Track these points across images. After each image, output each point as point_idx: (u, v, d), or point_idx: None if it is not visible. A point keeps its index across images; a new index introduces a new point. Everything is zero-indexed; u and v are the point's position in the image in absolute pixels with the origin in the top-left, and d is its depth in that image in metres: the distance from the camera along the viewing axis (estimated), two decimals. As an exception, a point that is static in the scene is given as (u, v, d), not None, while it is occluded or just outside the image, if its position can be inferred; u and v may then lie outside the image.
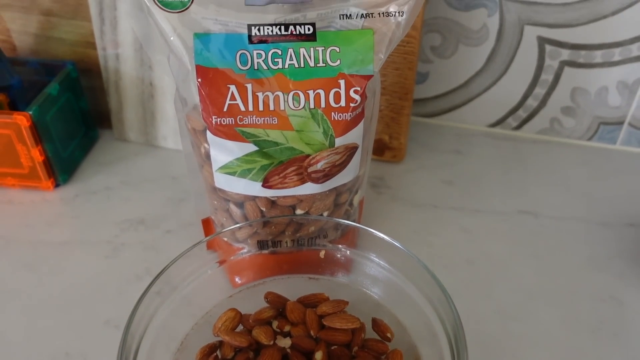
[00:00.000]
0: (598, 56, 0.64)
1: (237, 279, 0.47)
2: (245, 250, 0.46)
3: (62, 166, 0.63)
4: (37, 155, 0.59)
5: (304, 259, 0.47)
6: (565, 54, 0.65)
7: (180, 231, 0.57)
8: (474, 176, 0.65)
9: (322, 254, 0.47)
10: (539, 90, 0.68)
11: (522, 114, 0.71)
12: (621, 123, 0.68)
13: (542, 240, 0.56)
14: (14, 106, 0.61)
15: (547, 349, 0.45)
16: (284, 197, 0.44)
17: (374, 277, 0.46)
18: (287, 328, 0.42)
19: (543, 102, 0.69)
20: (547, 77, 0.67)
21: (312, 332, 0.41)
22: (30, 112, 0.57)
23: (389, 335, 0.42)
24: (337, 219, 0.45)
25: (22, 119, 0.56)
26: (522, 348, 0.45)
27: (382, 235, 0.43)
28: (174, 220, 0.58)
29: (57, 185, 0.63)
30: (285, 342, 0.41)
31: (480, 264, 0.53)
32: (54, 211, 0.60)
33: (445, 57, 0.69)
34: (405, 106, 0.63)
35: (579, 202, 0.61)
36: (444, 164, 0.67)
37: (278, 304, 0.44)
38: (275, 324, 0.42)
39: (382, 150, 0.66)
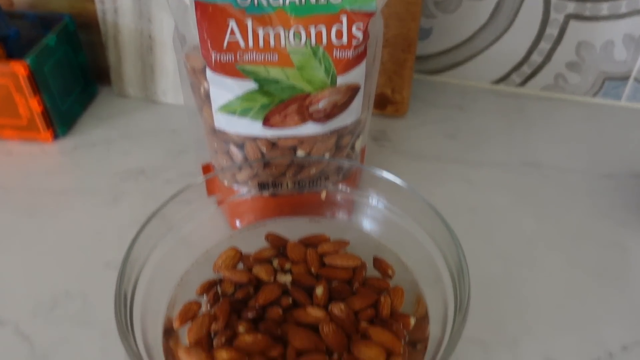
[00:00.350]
0: (604, 8, 0.63)
1: (236, 222, 0.47)
2: (245, 191, 0.46)
3: (61, 118, 0.62)
4: (35, 105, 0.58)
5: (304, 201, 0.47)
6: (571, 7, 0.64)
7: (180, 181, 0.57)
8: (477, 131, 0.64)
9: (323, 194, 0.46)
10: (544, 45, 0.67)
11: (526, 70, 0.70)
12: (627, 78, 0.67)
13: (545, 191, 0.56)
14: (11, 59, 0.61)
15: (550, 292, 0.45)
16: (285, 137, 0.43)
17: (376, 217, 0.45)
18: (287, 266, 0.42)
19: (548, 58, 0.68)
20: (552, 31, 0.66)
21: (312, 270, 0.41)
22: (28, 61, 0.56)
23: (390, 272, 0.42)
24: (338, 159, 0.45)
25: (19, 68, 0.56)
26: (524, 290, 0.45)
27: (385, 174, 0.43)
28: (174, 171, 0.58)
29: (55, 138, 0.63)
30: (285, 278, 0.41)
31: (482, 212, 0.53)
32: (53, 162, 0.60)
33: (449, 12, 0.68)
34: (408, 59, 0.63)
35: (583, 155, 0.61)
36: (447, 119, 0.66)
37: (278, 244, 0.44)
38: (275, 262, 0.42)
39: (384, 104, 0.65)
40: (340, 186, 0.46)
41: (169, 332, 0.39)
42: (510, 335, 0.42)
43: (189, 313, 0.39)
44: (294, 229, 0.45)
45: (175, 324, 0.38)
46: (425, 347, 0.37)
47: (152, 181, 0.57)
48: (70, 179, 0.58)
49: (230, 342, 0.36)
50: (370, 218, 0.46)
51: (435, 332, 0.37)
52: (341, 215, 0.47)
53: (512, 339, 0.41)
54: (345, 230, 0.45)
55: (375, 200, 0.45)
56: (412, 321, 0.38)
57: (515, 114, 0.67)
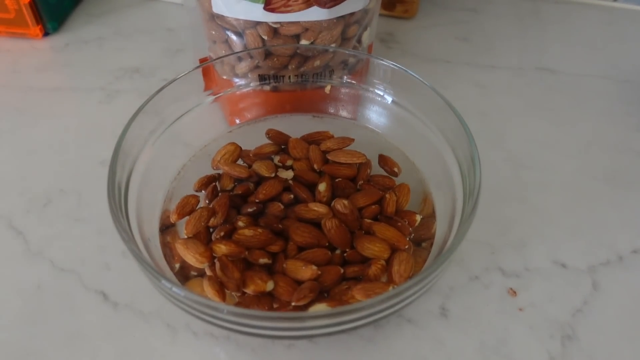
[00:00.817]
0: None
1: (235, 119, 0.45)
2: (244, 83, 0.43)
3: (50, 13, 0.59)
4: (21, -4, 0.55)
5: (307, 97, 0.45)
6: None
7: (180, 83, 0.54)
8: (490, 34, 0.61)
9: (327, 88, 0.44)
10: (567, -57, 0.62)
11: (545, -30, 0.65)
12: (652, -19, 0.63)
13: (560, 96, 0.53)
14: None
15: (560, 196, 0.44)
16: (288, 23, 0.40)
17: (383, 113, 0.43)
18: (289, 162, 0.40)
19: (569, -43, 0.63)
20: None
21: (315, 166, 0.39)
22: (11, -54, 0.52)
23: (395, 170, 0.40)
24: (344, 49, 0.42)
25: (3, -46, 0.52)
26: (533, 193, 0.44)
27: (393, 64, 0.40)
28: (171, 70, 0.55)
29: (46, 34, 0.59)
30: (287, 174, 0.39)
31: (493, 115, 0.51)
32: (44, 59, 0.57)
33: None
34: (420, -46, 0.58)
35: (600, 60, 0.58)
36: (459, 21, 0.63)
37: (280, 141, 0.42)
38: (276, 158, 0.40)
39: (393, 3, 0.61)
40: (346, 79, 0.44)
41: (166, 226, 0.37)
42: (517, 238, 0.41)
43: (187, 207, 0.37)
44: (296, 126, 0.43)
45: (173, 218, 0.37)
46: (431, 246, 0.36)
47: (147, 79, 0.54)
48: (63, 77, 0.55)
49: (229, 236, 0.35)
50: (377, 114, 0.43)
51: (442, 232, 0.36)
52: (346, 112, 0.45)
53: (520, 241, 0.40)
54: (350, 128, 0.43)
55: (383, 95, 0.43)
56: (418, 218, 0.37)
57: (531, 18, 0.64)
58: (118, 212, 0.31)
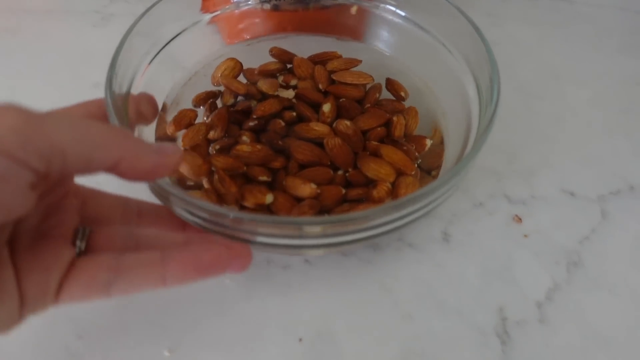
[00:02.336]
0: None
1: (231, 36, 0.42)
2: (243, 1, 0.41)
3: None
4: None
5: (310, 17, 0.42)
6: None
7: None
8: (504, -37, 0.58)
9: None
10: None
11: None
12: None
13: (576, 27, 0.51)
14: None
15: (572, 126, 0.42)
16: None
17: (393, 32, 0.41)
18: (293, 82, 0.38)
19: None
20: None
21: (320, 86, 0.37)
22: None
23: (402, 94, 0.38)
24: None
25: None
26: (543, 123, 0.42)
27: None
28: (169, -6, 0.53)
29: (38, -43, 0.57)
30: (287, 94, 0.37)
31: (505, 45, 0.48)
32: (36, -19, 0.54)
33: None
34: None
35: (620, -9, 0.55)
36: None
37: (284, 59, 0.40)
38: (280, 78, 0.39)
39: None
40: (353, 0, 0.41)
41: (162, 138, 0.36)
42: (526, 166, 0.39)
43: (184, 119, 0.35)
44: (298, 48, 0.41)
45: (170, 129, 0.35)
46: (438, 175, 0.35)
47: (144, 2, 0.52)
48: (55, 0, 0.53)
49: (227, 151, 0.34)
50: (388, 33, 0.41)
51: (452, 160, 0.34)
52: (353, 33, 0.42)
53: (528, 170, 0.39)
54: (357, 51, 0.41)
55: (392, 12, 0.40)
56: (428, 143, 0.35)
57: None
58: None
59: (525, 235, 0.35)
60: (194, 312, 0.31)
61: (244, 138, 0.34)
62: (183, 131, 0.35)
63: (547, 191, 0.37)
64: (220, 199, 0.31)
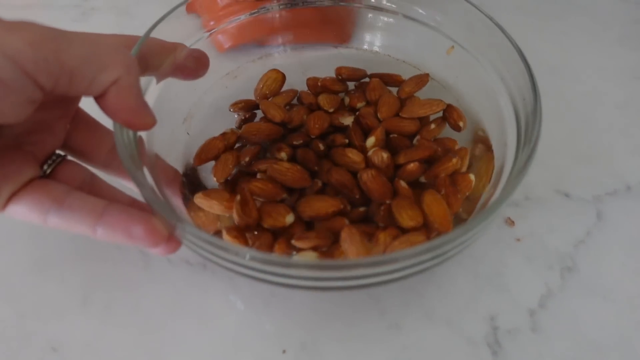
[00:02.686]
0: None
1: (223, 42, 0.41)
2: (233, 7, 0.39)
3: None
4: None
5: (300, 16, 0.40)
6: None
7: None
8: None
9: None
10: None
11: None
12: None
13: (574, 18, 0.49)
14: None
15: (567, 122, 0.40)
16: None
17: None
18: (360, 104, 0.36)
19: None
20: None
21: (379, 115, 0.35)
22: None
23: (461, 124, 0.35)
24: None
25: None
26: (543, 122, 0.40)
27: None
28: (152, -15, 0.51)
29: (18, -52, 0.55)
30: (347, 120, 0.35)
31: None
32: (15, -26, 0.53)
33: None
34: None
35: (618, -20, 0.53)
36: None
37: (354, 78, 0.38)
38: (347, 100, 0.37)
39: None
40: (342, 3, 0.40)
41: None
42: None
43: (211, 152, 0.34)
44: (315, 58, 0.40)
45: (195, 162, 0.34)
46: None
47: (126, -4, 0.50)
48: (34, -6, 0.51)
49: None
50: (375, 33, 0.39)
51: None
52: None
53: (521, 169, 0.37)
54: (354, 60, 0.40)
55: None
56: (472, 178, 0.32)
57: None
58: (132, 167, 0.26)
59: (518, 239, 0.34)
60: (173, 324, 0.30)
61: (283, 154, 0.33)
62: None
63: (542, 192, 0.36)
64: (241, 231, 0.30)
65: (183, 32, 0.37)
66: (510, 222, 0.34)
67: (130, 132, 0.28)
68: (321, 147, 0.33)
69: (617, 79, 0.44)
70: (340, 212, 0.30)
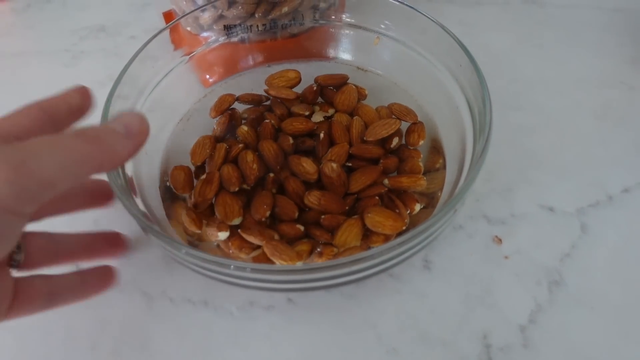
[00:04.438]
0: None
1: (207, 77, 0.42)
2: (212, 39, 0.41)
3: (8, -28, 0.56)
4: (-26, -44, 0.52)
5: (279, 46, 0.42)
6: None
7: (145, 37, 0.50)
8: (474, -32, 0.58)
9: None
10: None
11: None
12: None
13: (549, 30, 0.50)
14: None
15: (548, 137, 0.42)
16: (250, -32, 0.37)
17: (359, 48, 0.41)
18: (330, 112, 0.39)
19: None
20: None
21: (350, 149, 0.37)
22: None
23: (420, 143, 0.37)
24: None
25: None
26: (520, 136, 0.42)
27: None
28: (138, 26, 0.53)
29: (5, -4, 0.56)
30: (318, 117, 0.38)
31: (477, 56, 0.47)
32: (5, 22, 0.54)
33: None
34: None
35: (591, -11, 0.55)
36: (441, -44, 0.59)
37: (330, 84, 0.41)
38: (317, 108, 0.39)
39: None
40: (322, 21, 0.41)
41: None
42: (504, 183, 0.39)
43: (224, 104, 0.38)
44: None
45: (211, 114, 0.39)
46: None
47: (114, 38, 0.52)
48: (25, 40, 0.52)
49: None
50: (357, 50, 0.41)
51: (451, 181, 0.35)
52: (322, 54, 0.42)
53: (507, 187, 0.39)
54: (329, 69, 0.41)
55: (366, 30, 0.41)
56: (417, 208, 0.34)
57: (518, -52, 0.60)
58: (121, 191, 0.29)
59: (506, 257, 0.35)
60: (176, 358, 0.31)
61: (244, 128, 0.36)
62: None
63: (526, 208, 0.37)
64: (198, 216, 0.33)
65: (163, 66, 0.39)
66: (497, 241, 0.36)
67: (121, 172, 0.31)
68: (290, 140, 0.36)
69: (595, 88, 0.45)
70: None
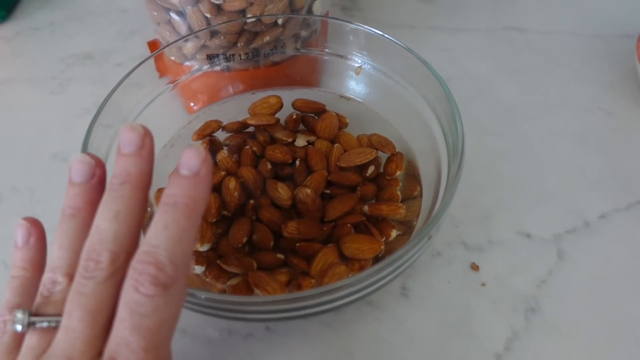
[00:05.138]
0: None
1: (191, 104, 0.43)
2: (195, 68, 0.42)
3: (-2, 1, 0.56)
4: (-36, -15, 0.52)
5: (261, 74, 0.43)
6: None
7: (131, 64, 0.50)
8: (456, -6, 0.59)
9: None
10: None
11: None
12: None
13: (529, 56, 0.51)
14: None
15: (525, 162, 0.42)
16: None
17: (344, 77, 0.42)
18: (312, 139, 0.39)
19: None
20: None
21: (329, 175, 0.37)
22: None
23: (397, 174, 0.38)
24: (295, 14, 0.40)
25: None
26: (498, 162, 0.42)
27: (350, 25, 0.39)
28: (125, 53, 0.53)
29: (-5, 24, 0.57)
30: (301, 142, 0.39)
31: (458, 82, 0.49)
32: (-7, 50, 0.55)
33: None
34: None
35: (570, 15, 0.55)
36: (424, -17, 0.60)
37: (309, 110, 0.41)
38: (302, 137, 0.40)
39: (354, -31, 0.59)
40: (303, 50, 0.42)
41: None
42: (482, 209, 0.39)
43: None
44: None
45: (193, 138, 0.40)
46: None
47: (100, 65, 0.52)
48: (13, 67, 0.53)
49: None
50: (339, 79, 0.42)
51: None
52: (309, 81, 0.43)
53: (484, 213, 0.39)
54: (317, 99, 0.42)
55: (347, 59, 0.42)
56: (394, 234, 0.35)
57: (500, -25, 0.61)
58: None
59: (483, 284, 0.35)
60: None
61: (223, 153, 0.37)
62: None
63: (503, 234, 0.38)
64: None
65: (147, 93, 0.40)
66: (475, 267, 0.36)
67: None
68: (269, 166, 0.37)
69: (573, 114, 0.46)
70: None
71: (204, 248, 0.33)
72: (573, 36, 0.53)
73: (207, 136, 0.40)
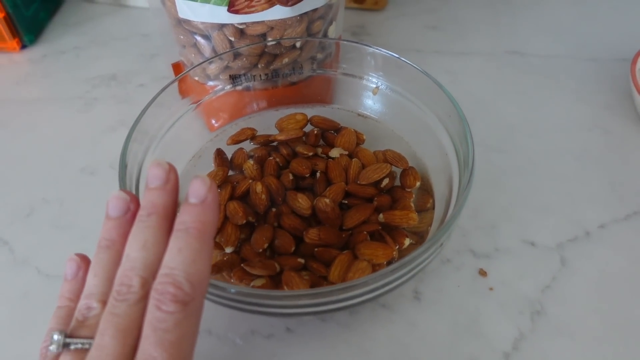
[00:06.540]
0: None
1: (213, 121, 0.46)
2: (219, 88, 0.44)
3: (26, 25, 0.59)
4: (-4, 11, 0.56)
5: (280, 93, 0.45)
6: None
7: (153, 84, 0.55)
8: (459, 21, 0.62)
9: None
10: None
11: (512, -45, 0.66)
12: (618, -41, 0.64)
13: (529, 78, 0.54)
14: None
15: (529, 176, 0.45)
16: (253, 24, 0.41)
17: (360, 96, 0.45)
18: (333, 153, 0.42)
19: (535, -60, 0.64)
20: None
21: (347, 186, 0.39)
22: (-18, -39, 0.53)
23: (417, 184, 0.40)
24: (312, 37, 0.43)
25: (-26, -30, 0.52)
26: (503, 176, 0.45)
27: (362, 47, 0.42)
28: (147, 75, 0.56)
29: (23, 47, 0.60)
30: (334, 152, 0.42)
31: (463, 102, 0.51)
32: (22, 71, 0.58)
33: None
34: (387, -54, 0.59)
35: (568, 40, 0.59)
36: (428, 10, 0.64)
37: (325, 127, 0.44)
38: (319, 150, 0.42)
39: (363, -4, 0.62)
40: (319, 71, 0.45)
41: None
42: (488, 220, 0.42)
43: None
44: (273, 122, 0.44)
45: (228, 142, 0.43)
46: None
47: (124, 86, 0.55)
48: (41, 88, 0.56)
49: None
50: (357, 98, 0.45)
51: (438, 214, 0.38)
52: (322, 99, 0.46)
53: (491, 223, 0.41)
54: (336, 116, 0.45)
55: (363, 79, 0.45)
56: (407, 242, 0.37)
57: (501, 4, 0.65)
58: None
59: (491, 288, 0.37)
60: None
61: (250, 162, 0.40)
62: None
63: (509, 243, 0.40)
64: None
65: (173, 113, 0.42)
66: (483, 273, 0.38)
67: None
68: (291, 177, 0.39)
69: (573, 132, 0.48)
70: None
71: (228, 250, 0.36)
72: (571, 60, 0.56)
73: (241, 141, 0.43)
